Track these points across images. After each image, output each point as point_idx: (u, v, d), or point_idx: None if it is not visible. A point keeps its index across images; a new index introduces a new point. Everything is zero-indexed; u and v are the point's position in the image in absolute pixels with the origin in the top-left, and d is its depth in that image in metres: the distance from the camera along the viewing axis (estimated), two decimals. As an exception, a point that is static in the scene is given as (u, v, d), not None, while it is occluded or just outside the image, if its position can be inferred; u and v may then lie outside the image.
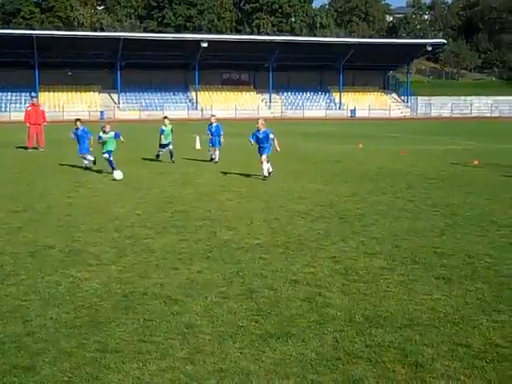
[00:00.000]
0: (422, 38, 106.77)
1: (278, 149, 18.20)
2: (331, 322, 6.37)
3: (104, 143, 18.78)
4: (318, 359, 5.47)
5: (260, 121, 18.43)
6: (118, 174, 17.58)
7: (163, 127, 22.45)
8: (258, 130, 18.05)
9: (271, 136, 17.86)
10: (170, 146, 22.36)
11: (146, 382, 5.06)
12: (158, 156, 22.84)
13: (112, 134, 18.95)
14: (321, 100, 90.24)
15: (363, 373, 5.21)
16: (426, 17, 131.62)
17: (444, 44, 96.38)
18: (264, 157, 17.80)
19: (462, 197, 14.57)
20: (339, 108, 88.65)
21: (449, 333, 6.07)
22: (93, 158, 20.43)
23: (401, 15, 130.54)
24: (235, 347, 5.72)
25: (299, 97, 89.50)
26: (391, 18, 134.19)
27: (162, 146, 22.54)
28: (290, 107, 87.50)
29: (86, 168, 20.34)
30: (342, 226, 11.20)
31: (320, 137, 39.66)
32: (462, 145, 31.86)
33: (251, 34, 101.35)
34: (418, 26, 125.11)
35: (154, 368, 5.29)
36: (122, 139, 19.24)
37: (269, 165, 17.92)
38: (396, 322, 6.34)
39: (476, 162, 21.95)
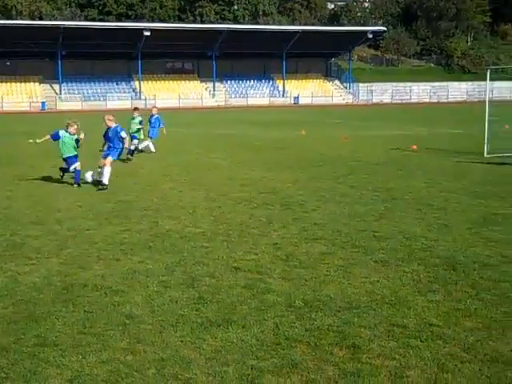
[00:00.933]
0: (362, 25, 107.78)
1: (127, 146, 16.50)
2: (272, 307, 6.44)
3: (63, 145, 15.34)
4: (258, 345, 5.53)
5: (107, 116, 16.14)
6: (90, 176, 15.22)
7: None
8: (109, 127, 15.76)
9: (123, 134, 15.77)
10: (136, 141, 21.47)
11: (85, 374, 5.03)
12: (137, 149, 21.69)
13: (75, 137, 15.43)
14: (264, 88, 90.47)
15: (302, 356, 5.30)
16: (367, 4, 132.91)
17: (384, 31, 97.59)
18: (109, 159, 15.17)
19: (401, 181, 14.89)
20: (283, 95, 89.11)
21: (385, 314, 6.22)
22: None
23: (342, 3, 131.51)
24: (176, 336, 5.74)
25: (243, 85, 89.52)
26: (332, 6, 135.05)
27: (133, 137, 21.54)
28: (233, 95, 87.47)
29: None
30: (283, 213, 11.31)
31: (264, 124, 39.78)
32: (401, 130, 32.44)
33: (194, 22, 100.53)
34: (359, 14, 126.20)
35: (94, 360, 5.26)
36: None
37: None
38: (335, 306, 6.46)
39: (414, 147, 22.42)
